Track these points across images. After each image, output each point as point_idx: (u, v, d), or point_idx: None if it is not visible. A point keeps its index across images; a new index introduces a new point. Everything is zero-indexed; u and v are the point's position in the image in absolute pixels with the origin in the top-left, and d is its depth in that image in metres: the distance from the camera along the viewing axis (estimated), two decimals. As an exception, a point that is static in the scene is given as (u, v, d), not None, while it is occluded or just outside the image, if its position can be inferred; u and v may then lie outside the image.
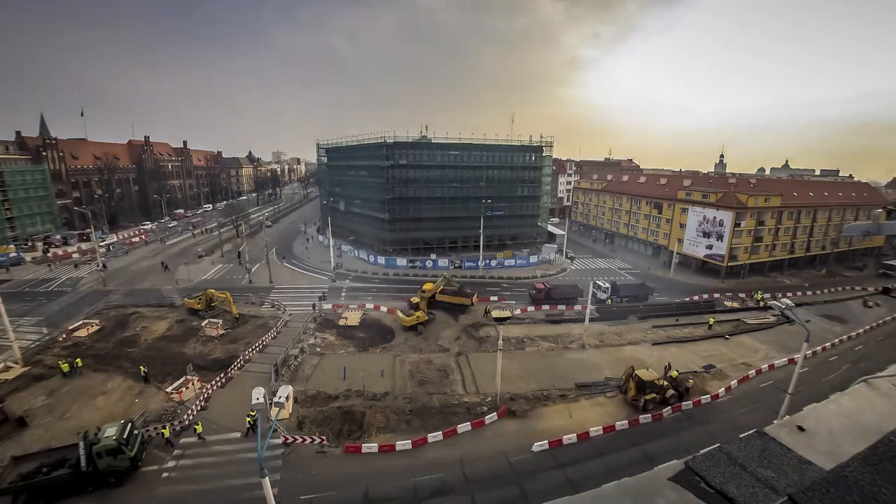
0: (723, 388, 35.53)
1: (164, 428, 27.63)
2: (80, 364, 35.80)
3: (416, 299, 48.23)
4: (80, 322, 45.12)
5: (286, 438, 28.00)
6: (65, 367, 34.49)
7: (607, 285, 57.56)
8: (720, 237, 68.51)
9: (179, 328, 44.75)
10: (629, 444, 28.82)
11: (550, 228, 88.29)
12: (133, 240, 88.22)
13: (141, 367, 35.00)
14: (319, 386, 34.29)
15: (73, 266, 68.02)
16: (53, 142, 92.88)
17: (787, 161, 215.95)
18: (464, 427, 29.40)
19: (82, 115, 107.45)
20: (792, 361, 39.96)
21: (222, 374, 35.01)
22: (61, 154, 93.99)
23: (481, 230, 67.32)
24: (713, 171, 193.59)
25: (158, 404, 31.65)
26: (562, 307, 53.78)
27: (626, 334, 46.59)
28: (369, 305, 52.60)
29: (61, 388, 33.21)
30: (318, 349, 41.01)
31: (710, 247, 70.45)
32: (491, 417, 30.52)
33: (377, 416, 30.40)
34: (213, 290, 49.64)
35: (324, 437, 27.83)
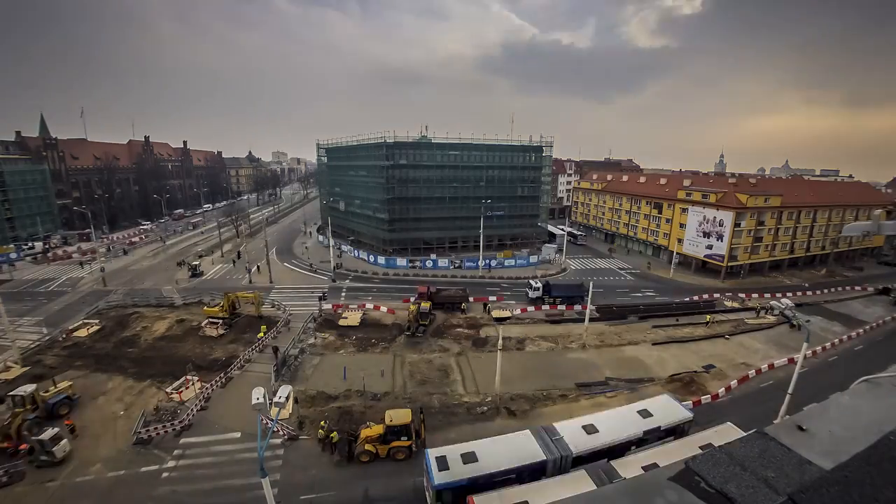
0: (723, 388, 35.55)
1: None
2: None
3: (426, 304, 48.10)
4: (80, 322, 45.15)
5: (286, 435, 28.05)
6: None
7: (539, 284, 55.24)
8: (720, 237, 68.50)
9: (179, 328, 44.74)
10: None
11: (551, 229, 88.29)
12: (133, 239, 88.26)
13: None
14: (319, 386, 34.30)
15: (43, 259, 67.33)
16: (53, 142, 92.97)
17: (787, 161, 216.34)
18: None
19: (82, 115, 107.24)
20: (792, 361, 39.94)
21: (222, 374, 35.02)
22: (61, 154, 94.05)
23: (481, 230, 67.34)
24: (713, 171, 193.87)
25: (159, 404, 31.64)
26: (562, 307, 53.78)
27: (626, 334, 46.60)
28: (369, 305, 52.62)
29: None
30: (319, 348, 41.03)
31: (710, 247, 70.44)
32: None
33: (377, 416, 30.38)
34: (242, 293, 46.98)
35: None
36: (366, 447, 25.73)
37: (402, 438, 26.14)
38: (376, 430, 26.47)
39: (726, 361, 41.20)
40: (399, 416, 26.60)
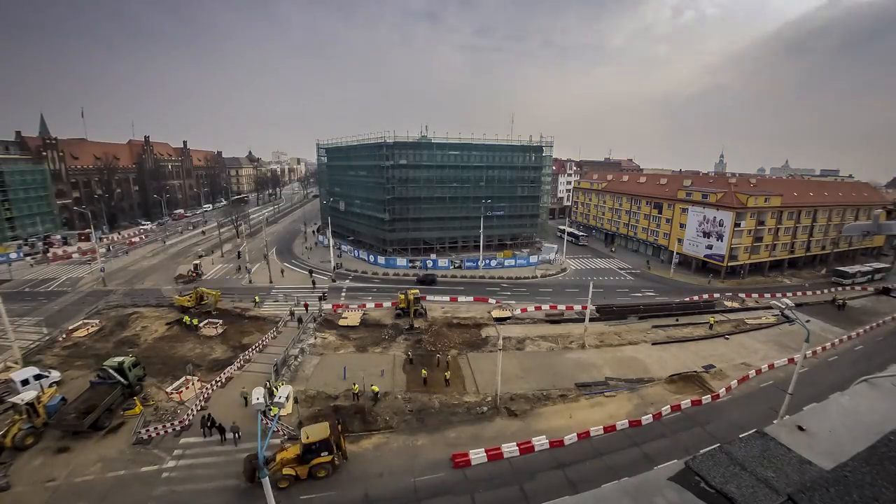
0: (723, 388, 35.55)
1: None
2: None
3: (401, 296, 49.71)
4: (80, 322, 45.14)
5: (286, 435, 28.08)
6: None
7: None
8: (720, 237, 68.51)
9: (179, 328, 44.74)
10: (629, 444, 28.83)
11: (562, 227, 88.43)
12: (133, 239, 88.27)
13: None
14: (319, 386, 34.31)
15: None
16: (53, 142, 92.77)
17: (787, 161, 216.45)
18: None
19: (83, 115, 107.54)
20: (792, 361, 39.98)
21: (222, 374, 35.02)
22: (61, 154, 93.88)
23: (481, 230, 67.30)
24: (713, 170, 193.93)
25: (158, 404, 31.64)
26: (561, 307, 53.74)
27: (626, 334, 46.60)
28: (370, 305, 52.61)
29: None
30: (319, 348, 41.02)
31: (710, 247, 70.45)
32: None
33: (376, 415, 30.39)
34: (203, 288, 50.78)
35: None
36: (284, 471, 23.75)
37: (323, 454, 24.22)
38: (293, 451, 24.65)
39: (726, 361, 41.21)
40: (316, 431, 24.78)
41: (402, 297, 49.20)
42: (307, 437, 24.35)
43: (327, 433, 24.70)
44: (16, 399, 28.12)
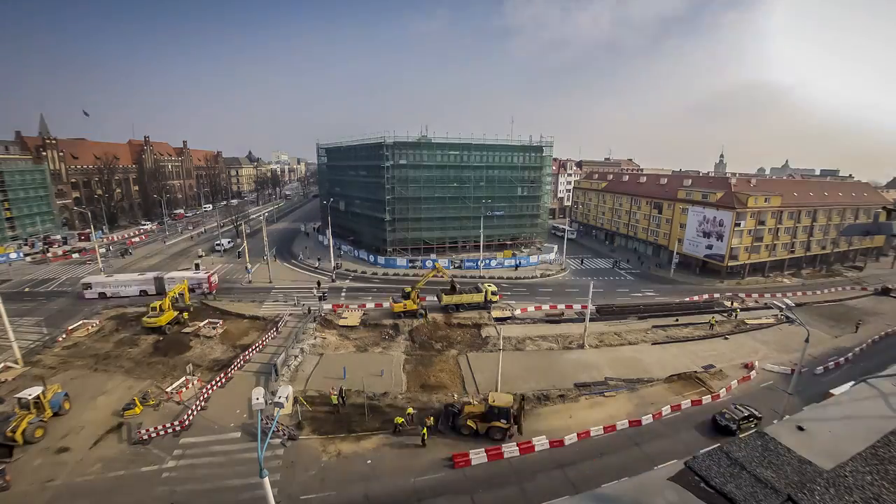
0: (723, 389, 35.55)
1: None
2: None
3: (408, 289, 49.35)
4: (80, 322, 45.14)
5: (286, 435, 28.08)
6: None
7: None
8: (720, 237, 68.51)
9: (179, 328, 44.70)
10: (629, 444, 28.83)
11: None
12: (133, 240, 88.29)
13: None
14: (319, 386, 34.31)
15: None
16: (53, 141, 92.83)
17: (787, 161, 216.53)
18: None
19: (86, 114, 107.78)
20: (792, 362, 39.95)
21: (222, 374, 35.01)
22: (61, 154, 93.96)
23: (481, 230, 67.29)
24: (713, 170, 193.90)
25: (158, 404, 31.61)
26: (561, 306, 53.72)
27: (626, 334, 46.57)
28: (370, 305, 52.58)
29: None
30: (318, 348, 41.01)
31: (710, 247, 70.46)
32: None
33: (379, 415, 30.39)
34: (176, 287, 47.30)
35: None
36: (468, 422, 28.11)
37: (501, 421, 27.80)
38: (479, 407, 29.14)
39: (726, 361, 41.19)
40: (501, 398, 28.59)
41: (405, 302, 47.96)
42: (493, 401, 28.13)
43: (510, 403, 28.19)
44: (22, 394, 28.67)
